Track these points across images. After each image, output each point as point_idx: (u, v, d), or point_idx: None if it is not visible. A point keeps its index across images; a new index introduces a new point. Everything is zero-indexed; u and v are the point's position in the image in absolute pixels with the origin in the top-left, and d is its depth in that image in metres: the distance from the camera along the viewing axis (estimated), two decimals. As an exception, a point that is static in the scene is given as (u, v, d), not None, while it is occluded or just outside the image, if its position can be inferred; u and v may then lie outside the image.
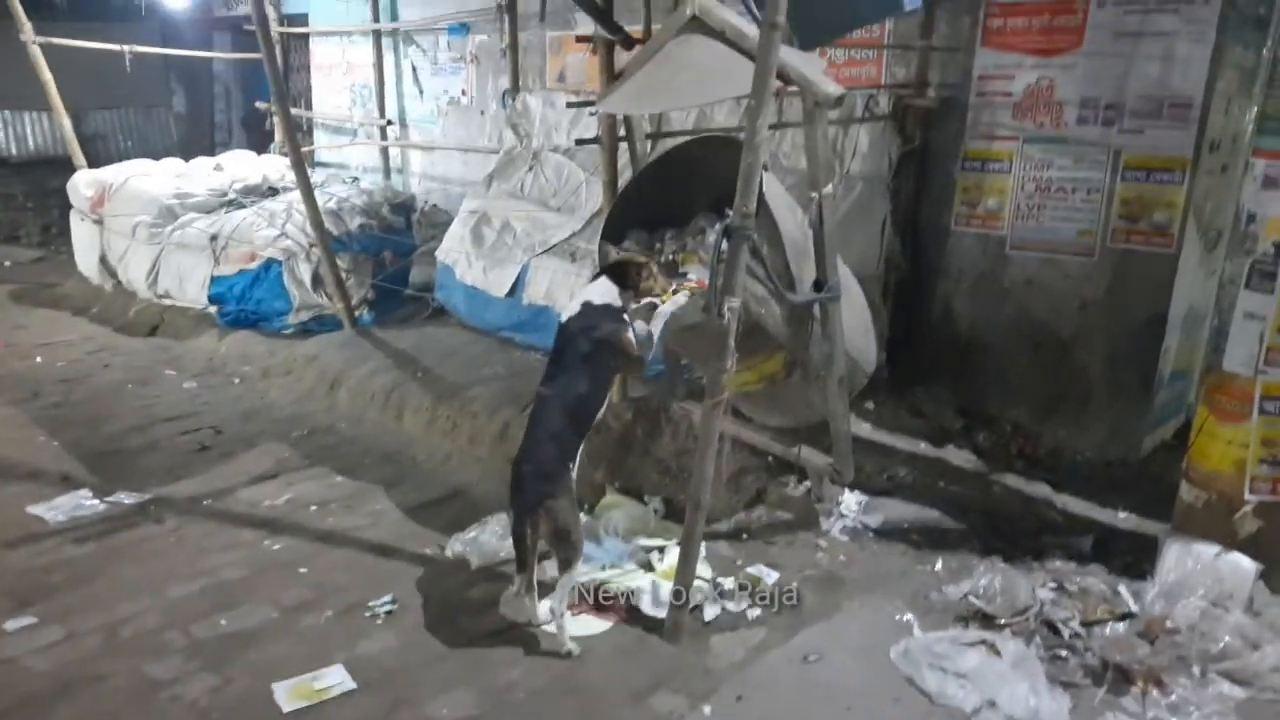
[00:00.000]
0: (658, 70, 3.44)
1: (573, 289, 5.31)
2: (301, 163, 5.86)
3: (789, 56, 3.22)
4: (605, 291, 3.18)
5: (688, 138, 3.96)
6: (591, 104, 3.73)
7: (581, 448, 3.15)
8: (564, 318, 3.20)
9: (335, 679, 2.86)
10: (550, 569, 3.18)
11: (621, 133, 3.98)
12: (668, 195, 3.73)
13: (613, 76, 3.73)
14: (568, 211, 5.85)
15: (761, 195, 3.24)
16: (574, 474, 3.10)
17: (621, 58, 3.83)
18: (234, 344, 6.22)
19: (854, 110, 4.99)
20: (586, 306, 3.16)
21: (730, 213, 2.86)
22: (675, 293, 3.30)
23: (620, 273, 3.22)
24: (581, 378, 3.10)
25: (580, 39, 3.90)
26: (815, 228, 3.36)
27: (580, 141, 4.14)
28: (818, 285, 3.45)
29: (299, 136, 9.39)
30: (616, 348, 3.13)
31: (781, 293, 3.31)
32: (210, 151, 9.28)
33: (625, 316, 3.16)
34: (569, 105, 4.39)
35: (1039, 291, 4.61)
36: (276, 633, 3.14)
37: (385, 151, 8.32)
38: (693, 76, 3.34)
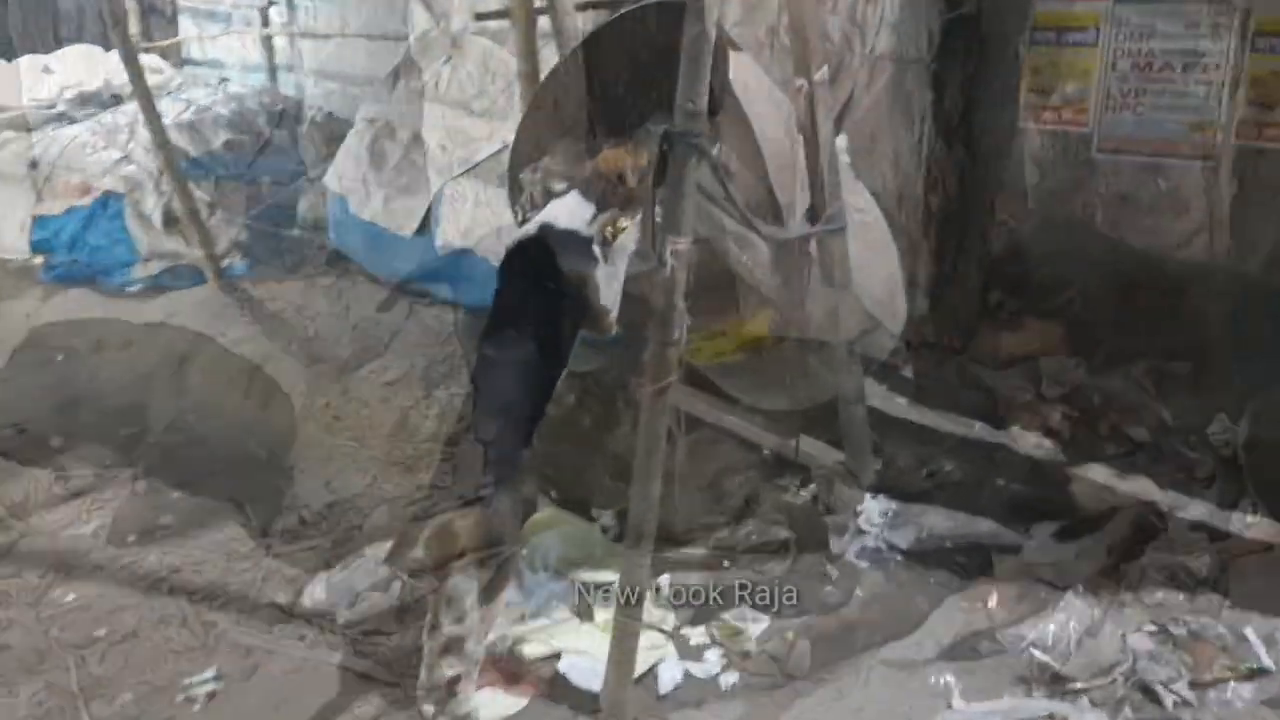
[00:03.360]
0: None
1: (501, 226, 4.99)
2: (134, 56, 5.59)
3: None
4: (573, 211, 2.96)
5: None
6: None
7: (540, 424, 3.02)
8: (512, 242, 3.03)
9: (114, 801, 2.58)
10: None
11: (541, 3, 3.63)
12: (606, 92, 3.39)
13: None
14: (497, 117, 5.51)
15: (729, 87, 3.01)
16: (525, 460, 3.02)
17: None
18: (61, 307, 6.03)
19: (879, -37, 4.64)
20: (544, 229, 2.95)
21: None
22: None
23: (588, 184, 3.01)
24: (533, 332, 2.95)
25: None
26: (806, 132, 3.10)
27: (481, 16, 3.77)
28: (814, 214, 3.20)
29: (164, 25, 9.12)
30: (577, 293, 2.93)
31: (754, 225, 3.00)
32: (54, 47, 8.90)
33: (595, 249, 2.92)
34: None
35: (1138, 211, 4.45)
36: (46, 732, 2.91)
37: (268, 42, 7.95)
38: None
